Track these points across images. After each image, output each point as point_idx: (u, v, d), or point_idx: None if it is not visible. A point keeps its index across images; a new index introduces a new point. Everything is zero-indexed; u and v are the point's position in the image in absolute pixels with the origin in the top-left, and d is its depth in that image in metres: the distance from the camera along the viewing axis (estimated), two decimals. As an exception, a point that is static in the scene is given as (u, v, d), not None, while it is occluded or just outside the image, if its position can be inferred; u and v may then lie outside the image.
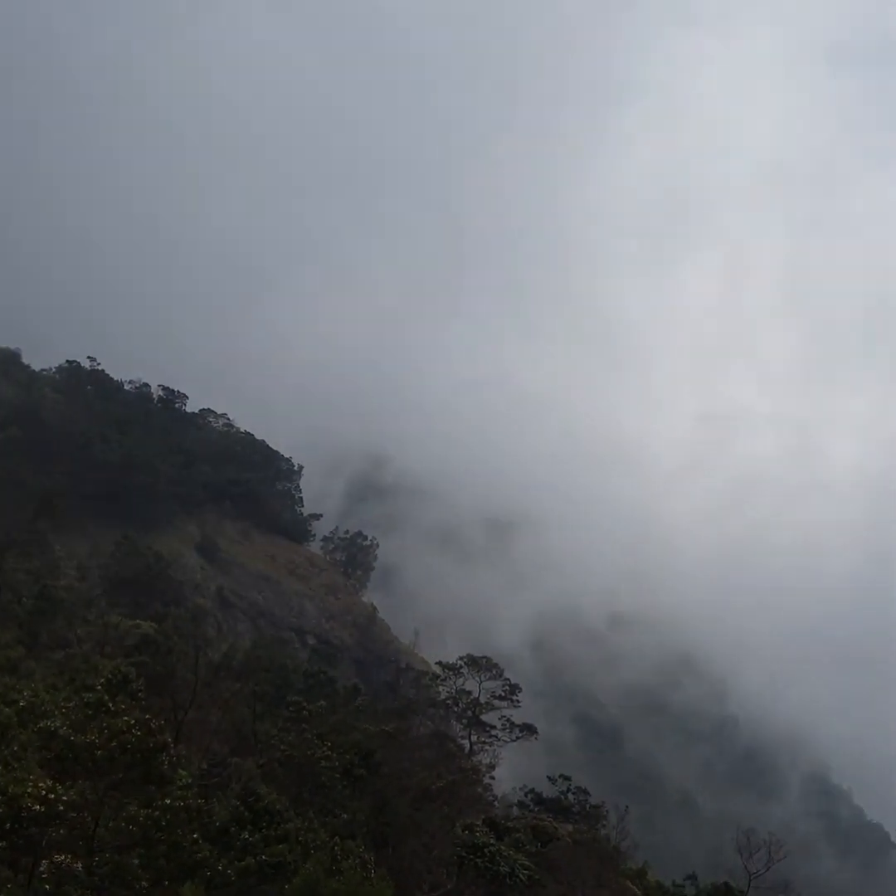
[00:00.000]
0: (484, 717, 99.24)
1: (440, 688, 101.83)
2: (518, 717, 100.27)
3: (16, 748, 38.70)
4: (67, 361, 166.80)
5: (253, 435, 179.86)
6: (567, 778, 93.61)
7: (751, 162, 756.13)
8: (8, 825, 30.30)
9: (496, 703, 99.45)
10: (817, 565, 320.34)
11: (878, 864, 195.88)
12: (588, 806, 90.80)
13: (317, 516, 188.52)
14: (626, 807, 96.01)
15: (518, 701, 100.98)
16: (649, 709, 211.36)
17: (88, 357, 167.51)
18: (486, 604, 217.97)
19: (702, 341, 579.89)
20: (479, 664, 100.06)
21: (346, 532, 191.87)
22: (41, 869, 32.19)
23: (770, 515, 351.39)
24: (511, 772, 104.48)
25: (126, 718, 35.63)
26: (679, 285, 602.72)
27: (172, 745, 41.57)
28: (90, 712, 38.69)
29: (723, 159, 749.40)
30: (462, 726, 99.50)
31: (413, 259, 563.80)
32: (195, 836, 35.56)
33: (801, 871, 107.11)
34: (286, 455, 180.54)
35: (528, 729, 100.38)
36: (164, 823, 33.87)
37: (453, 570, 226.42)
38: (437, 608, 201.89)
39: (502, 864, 56.93)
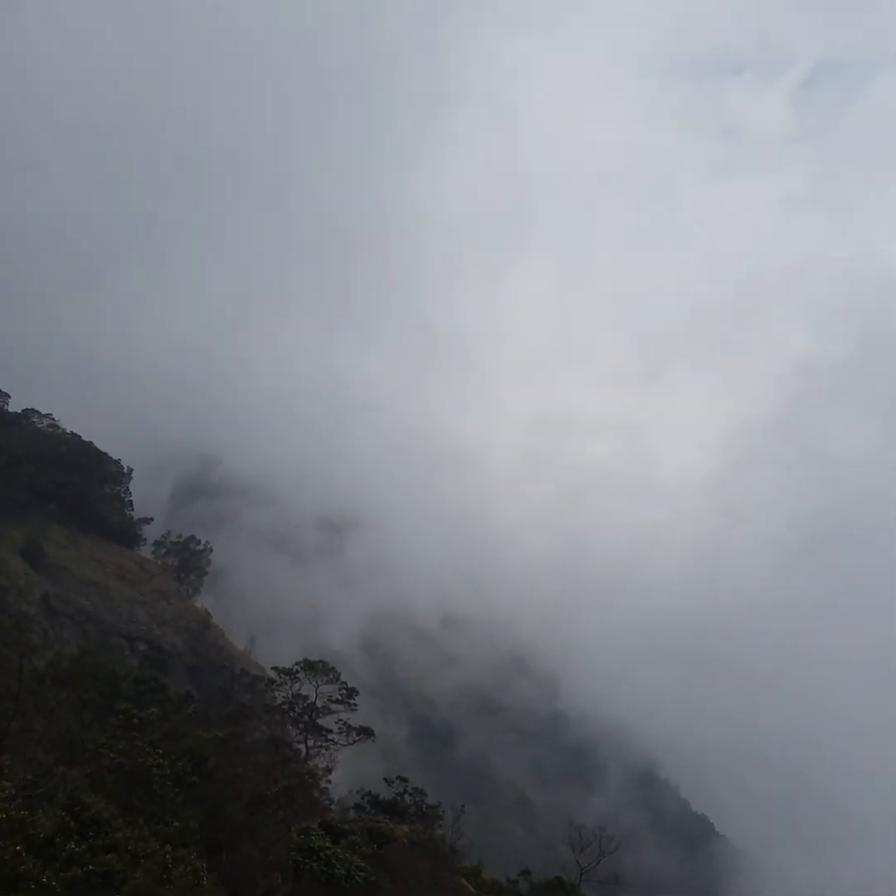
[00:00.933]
0: (320, 721, 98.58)
1: (276, 693, 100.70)
2: (354, 719, 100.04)
3: None
4: None
5: (79, 436, 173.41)
6: (404, 779, 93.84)
7: (587, 170, 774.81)
8: None
9: (333, 706, 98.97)
10: (646, 563, 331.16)
11: (702, 853, 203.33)
12: (424, 806, 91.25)
13: (147, 520, 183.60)
14: (462, 806, 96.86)
15: (355, 704, 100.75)
16: (482, 708, 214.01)
17: None
18: (319, 605, 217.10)
19: (535, 347, 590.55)
20: (316, 668, 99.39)
21: (179, 536, 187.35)
22: None
23: (602, 516, 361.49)
24: (348, 775, 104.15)
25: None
26: (512, 291, 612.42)
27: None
28: None
29: (559, 166, 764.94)
30: (298, 731, 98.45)
31: (243, 259, 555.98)
32: (18, 848, 33.99)
33: (630, 864, 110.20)
34: (115, 456, 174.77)
35: (365, 732, 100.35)
36: (-17, 836, 32.18)
37: (285, 571, 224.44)
38: (269, 610, 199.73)
39: (338, 866, 56.57)
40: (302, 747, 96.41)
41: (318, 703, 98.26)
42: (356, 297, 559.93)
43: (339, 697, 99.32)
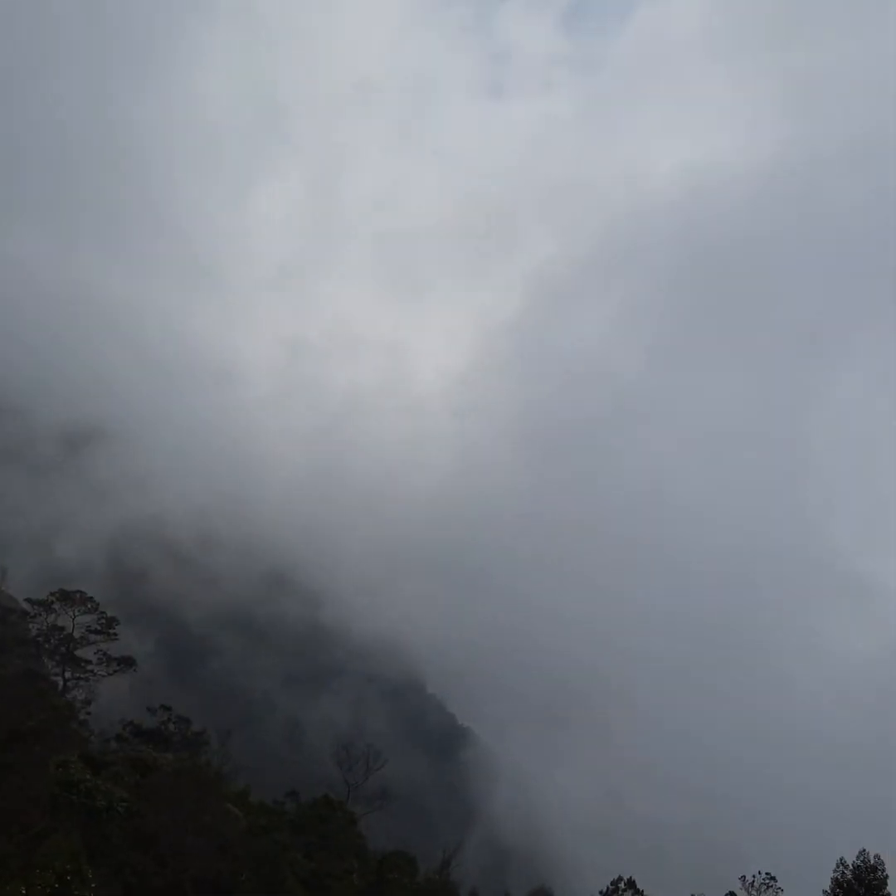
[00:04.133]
0: (79, 652, 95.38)
1: (31, 625, 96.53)
2: (113, 649, 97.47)
3: None
4: None
5: None
6: (167, 708, 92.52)
7: (344, 80, 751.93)
8: None
9: (92, 636, 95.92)
10: (409, 478, 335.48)
11: (461, 761, 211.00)
12: (189, 733, 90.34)
13: None
14: (228, 731, 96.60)
15: (115, 634, 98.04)
16: (242, 626, 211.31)
17: None
18: (62, 522, 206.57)
19: (291, 261, 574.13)
20: (72, 598, 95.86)
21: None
22: None
23: (365, 434, 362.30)
24: (109, 706, 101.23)
25: None
26: (267, 203, 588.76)
27: None
28: None
29: (315, 75, 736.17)
30: (55, 663, 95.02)
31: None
32: None
33: (393, 776, 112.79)
34: None
35: (126, 662, 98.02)
36: None
37: (24, 486, 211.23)
38: (6, 527, 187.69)
39: (99, 798, 55.33)
40: (59, 680, 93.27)
41: (76, 635, 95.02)
42: (105, 210, 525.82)
43: (99, 628, 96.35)
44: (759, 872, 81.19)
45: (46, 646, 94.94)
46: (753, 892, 79.86)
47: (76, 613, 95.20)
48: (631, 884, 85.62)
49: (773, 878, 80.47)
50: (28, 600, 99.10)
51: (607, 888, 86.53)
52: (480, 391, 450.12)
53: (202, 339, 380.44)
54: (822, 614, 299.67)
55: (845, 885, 71.69)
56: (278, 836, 74.15)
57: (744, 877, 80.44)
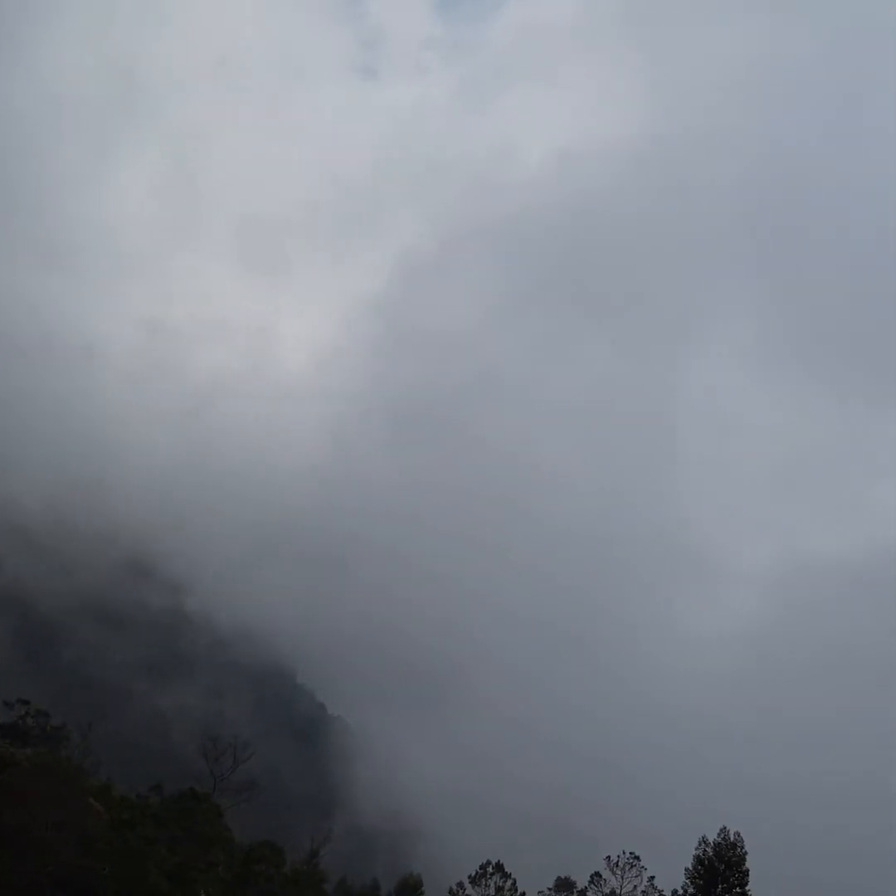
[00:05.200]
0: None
1: None
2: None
3: None
4: None
5: None
6: (25, 702, 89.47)
7: (204, 57, 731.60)
8: None
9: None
10: (276, 462, 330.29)
11: (338, 752, 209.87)
12: (49, 728, 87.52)
13: None
14: (89, 724, 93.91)
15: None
16: (100, 616, 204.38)
17: None
18: None
19: (151, 242, 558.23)
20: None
21: None
22: None
23: (229, 417, 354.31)
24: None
25: None
26: (125, 182, 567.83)
27: None
28: None
29: (172, 50, 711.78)
30: None
31: None
32: None
33: (264, 768, 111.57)
34: None
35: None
36: None
37: None
38: None
39: (-48, 798, 52.85)
40: None
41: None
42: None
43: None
44: (624, 852, 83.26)
45: None
46: (618, 872, 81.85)
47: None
48: (499, 867, 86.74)
49: (636, 858, 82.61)
50: None
51: (475, 873, 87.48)
52: (348, 372, 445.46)
53: (59, 319, 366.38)
54: (679, 593, 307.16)
55: (707, 862, 74.00)
56: (142, 830, 72.25)
57: (609, 857, 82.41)
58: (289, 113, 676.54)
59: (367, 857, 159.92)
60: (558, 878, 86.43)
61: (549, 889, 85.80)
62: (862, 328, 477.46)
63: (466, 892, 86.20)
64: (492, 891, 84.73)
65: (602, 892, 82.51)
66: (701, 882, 73.76)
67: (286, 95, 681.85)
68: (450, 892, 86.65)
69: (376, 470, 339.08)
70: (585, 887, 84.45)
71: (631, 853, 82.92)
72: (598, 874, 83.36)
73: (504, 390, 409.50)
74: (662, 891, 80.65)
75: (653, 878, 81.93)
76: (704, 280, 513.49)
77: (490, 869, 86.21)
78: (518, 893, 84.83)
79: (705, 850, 74.63)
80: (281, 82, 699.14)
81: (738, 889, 73.08)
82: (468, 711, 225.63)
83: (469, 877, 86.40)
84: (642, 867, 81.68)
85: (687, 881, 74.84)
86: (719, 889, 73.38)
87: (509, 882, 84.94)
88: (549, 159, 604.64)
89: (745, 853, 73.44)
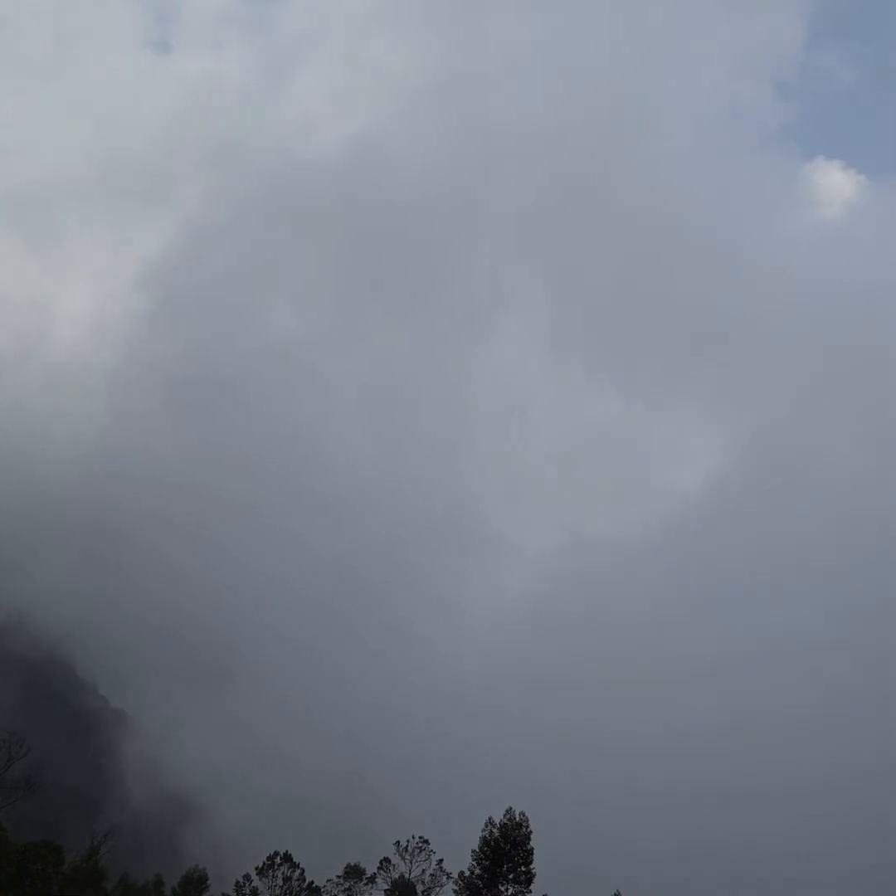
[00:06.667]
0: None
1: None
2: None
3: None
4: None
5: None
6: None
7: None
8: None
9: None
10: (53, 440, 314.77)
11: (114, 747, 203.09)
12: None
13: None
14: None
15: None
16: None
17: None
18: None
19: None
20: None
21: None
22: None
23: (2, 394, 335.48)
24: None
25: None
26: None
27: None
28: None
29: None
30: None
31: None
32: None
33: (44, 764, 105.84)
34: None
35: None
36: None
37: None
38: None
39: None
40: None
41: None
42: None
43: None
44: (413, 837, 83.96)
45: None
46: (407, 857, 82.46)
47: None
48: (287, 858, 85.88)
49: (425, 841, 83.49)
50: None
51: (263, 864, 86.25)
52: (127, 348, 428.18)
53: None
54: (465, 575, 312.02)
55: (493, 843, 75.56)
56: None
57: (399, 842, 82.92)
58: (68, 83, 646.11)
59: (147, 850, 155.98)
60: (348, 866, 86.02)
61: (339, 877, 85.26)
62: (641, 320, 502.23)
63: (253, 883, 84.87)
64: (280, 881, 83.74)
65: (391, 878, 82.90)
66: (487, 862, 75.27)
67: (66, 66, 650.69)
68: (236, 886, 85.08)
69: (155, 441, 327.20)
70: (375, 873, 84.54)
71: (420, 837, 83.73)
72: (387, 859, 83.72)
73: (290, 365, 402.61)
74: (449, 873, 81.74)
75: (441, 860, 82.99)
76: (500, 270, 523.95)
77: (278, 860, 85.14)
78: (307, 883, 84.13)
79: (492, 831, 76.17)
80: (58, 51, 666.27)
81: (523, 867, 74.97)
82: (253, 694, 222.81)
83: (256, 868, 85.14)
84: (431, 851, 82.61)
85: (474, 862, 76.17)
86: (504, 868, 75.07)
87: (297, 872, 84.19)
88: (342, 144, 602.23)
89: (531, 832, 75.42)
